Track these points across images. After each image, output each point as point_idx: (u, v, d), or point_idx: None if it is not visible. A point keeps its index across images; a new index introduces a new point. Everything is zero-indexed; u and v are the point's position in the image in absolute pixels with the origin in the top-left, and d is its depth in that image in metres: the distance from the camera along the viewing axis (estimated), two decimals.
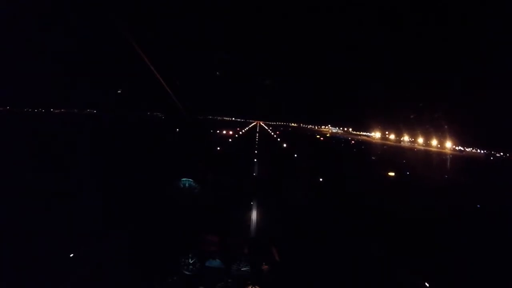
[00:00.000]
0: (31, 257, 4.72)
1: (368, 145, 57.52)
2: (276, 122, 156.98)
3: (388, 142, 66.75)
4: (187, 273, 3.21)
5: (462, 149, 56.15)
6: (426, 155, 42.99)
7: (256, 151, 26.32)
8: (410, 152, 46.63)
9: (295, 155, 27.58)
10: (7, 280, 3.90)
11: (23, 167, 11.85)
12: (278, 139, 51.30)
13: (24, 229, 6.01)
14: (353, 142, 65.18)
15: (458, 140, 49.92)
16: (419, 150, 50.31)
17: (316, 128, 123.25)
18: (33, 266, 4.44)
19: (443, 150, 51.33)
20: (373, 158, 34.30)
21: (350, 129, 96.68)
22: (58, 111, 61.81)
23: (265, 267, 3.21)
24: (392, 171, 21.30)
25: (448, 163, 35.25)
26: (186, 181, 3.47)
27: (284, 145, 39.25)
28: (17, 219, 6.42)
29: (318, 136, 77.56)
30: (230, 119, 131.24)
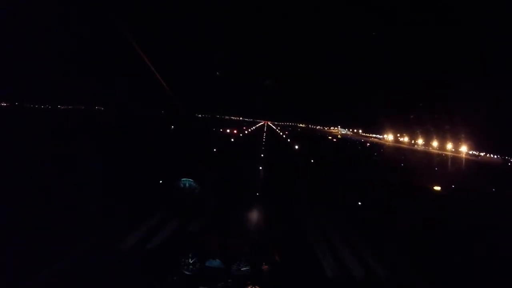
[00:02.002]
0: (28, 254, 4.86)
1: (386, 149, 56.09)
2: (284, 122, 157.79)
3: (402, 145, 66.00)
4: (187, 273, 3.31)
5: (477, 153, 54.87)
6: (451, 162, 41.58)
7: (262, 154, 24.28)
8: (431, 157, 45.26)
9: (312, 161, 24.63)
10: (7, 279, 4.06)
11: (17, 164, 12.24)
12: (288, 140, 50.41)
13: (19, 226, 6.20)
14: (368, 144, 64.26)
15: (470, 144, 48.85)
16: (439, 155, 48.83)
17: (326, 129, 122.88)
18: (30, 263, 4.58)
19: (459, 155, 50.46)
20: (402, 165, 31.76)
21: (360, 131, 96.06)
22: (64, 107, 64.04)
23: (265, 267, 3.29)
24: (435, 185, 18.74)
25: (480, 172, 32.87)
26: (186, 181, 3.58)
27: (296, 146, 36.46)
28: (13, 219, 6.62)
29: (330, 137, 77.24)
30: (238, 118, 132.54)
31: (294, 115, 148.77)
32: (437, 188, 18.53)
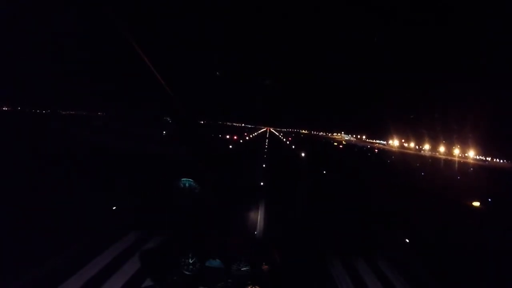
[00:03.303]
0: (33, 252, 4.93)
1: (396, 155, 55.22)
2: (286, 129, 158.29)
3: (409, 151, 65.74)
4: (187, 273, 3.38)
5: (484, 158, 54.37)
6: (467, 169, 40.32)
7: (263, 164, 22.04)
8: (445, 164, 44.31)
9: (324, 172, 22.05)
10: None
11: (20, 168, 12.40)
12: (293, 146, 50.07)
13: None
14: (376, 151, 64.11)
15: (475, 148, 48.49)
16: (450, 161, 48.22)
17: (329, 135, 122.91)
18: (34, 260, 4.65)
19: (469, 160, 50.21)
20: (422, 174, 29.74)
21: (364, 137, 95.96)
22: (66, 113, 64.09)
23: (265, 267, 3.35)
24: (473, 200, 16.56)
25: (501, 180, 31.26)
26: (186, 181, 3.66)
27: (302, 154, 33.65)
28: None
29: (336, 144, 77.26)
30: (240, 125, 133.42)
31: (296, 122, 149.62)
32: (476, 203, 16.28)
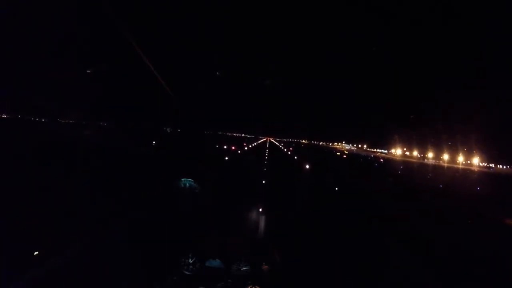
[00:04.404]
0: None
1: (403, 165, 54.39)
2: (286, 139, 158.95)
3: (413, 160, 65.52)
4: (187, 273, 3.42)
5: (487, 165, 53.85)
6: (479, 177, 37.95)
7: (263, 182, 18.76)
8: (454, 173, 42.50)
9: (336, 189, 19.18)
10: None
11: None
12: (295, 157, 49.10)
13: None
14: (381, 160, 63.78)
15: (477, 155, 48.07)
16: (457, 169, 46.88)
17: (330, 145, 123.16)
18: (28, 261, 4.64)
19: (475, 168, 49.96)
20: (440, 186, 27.16)
21: (365, 146, 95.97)
22: (65, 121, 63.44)
23: (265, 267, 3.39)
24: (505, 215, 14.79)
25: None
26: (187, 181, 3.73)
27: (307, 166, 31.17)
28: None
29: (338, 153, 77.27)
30: (240, 135, 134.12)
31: (296, 132, 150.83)
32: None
